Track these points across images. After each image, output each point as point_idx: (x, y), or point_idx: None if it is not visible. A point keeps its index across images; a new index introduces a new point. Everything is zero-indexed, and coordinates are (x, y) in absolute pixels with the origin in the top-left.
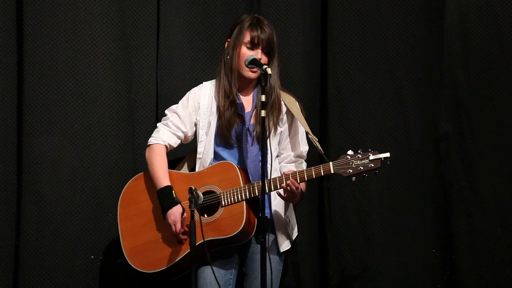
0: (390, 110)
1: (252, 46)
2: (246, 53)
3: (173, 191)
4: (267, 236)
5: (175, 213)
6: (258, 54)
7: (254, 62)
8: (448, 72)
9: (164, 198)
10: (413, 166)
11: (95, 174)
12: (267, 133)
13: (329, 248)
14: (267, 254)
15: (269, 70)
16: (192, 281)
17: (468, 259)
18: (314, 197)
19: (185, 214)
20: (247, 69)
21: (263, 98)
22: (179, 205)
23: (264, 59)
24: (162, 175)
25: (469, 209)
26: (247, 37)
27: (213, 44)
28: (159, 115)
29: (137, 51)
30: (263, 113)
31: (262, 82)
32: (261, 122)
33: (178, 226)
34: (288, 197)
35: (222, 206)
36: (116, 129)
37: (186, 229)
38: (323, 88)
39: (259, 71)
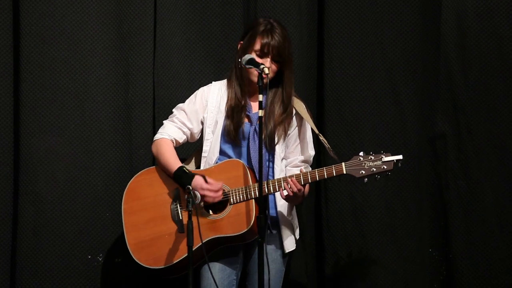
0: (387, 110)
1: (262, 54)
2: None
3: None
4: (265, 236)
5: (199, 183)
6: (266, 62)
7: (251, 62)
8: (445, 71)
9: (181, 178)
10: (410, 165)
11: (92, 174)
12: (276, 140)
13: (326, 247)
14: (269, 255)
15: (266, 70)
16: (190, 281)
17: (465, 258)
18: (311, 196)
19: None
20: (255, 74)
21: (260, 97)
22: (196, 176)
23: (273, 68)
24: (174, 160)
25: (466, 209)
26: (257, 45)
27: (210, 44)
28: (156, 115)
29: (134, 50)
30: (260, 112)
31: (259, 82)
32: (259, 122)
33: (213, 188)
34: (289, 199)
35: (230, 204)
36: (113, 128)
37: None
38: (319, 88)
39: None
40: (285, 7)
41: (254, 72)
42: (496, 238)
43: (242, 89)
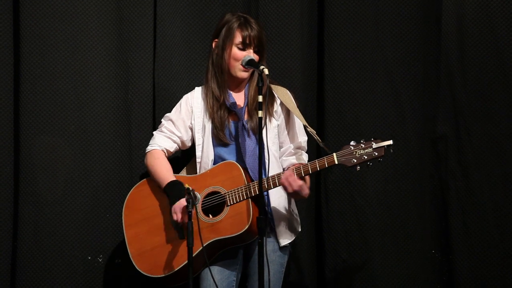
0: (387, 111)
1: (244, 46)
2: (238, 53)
3: (184, 184)
4: (265, 237)
5: (179, 207)
6: (250, 54)
7: (251, 63)
8: (445, 73)
9: (173, 190)
10: (410, 167)
11: (92, 174)
12: (264, 127)
13: (326, 249)
14: (268, 256)
15: (266, 71)
16: (190, 284)
17: (465, 259)
18: (311, 198)
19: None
20: (240, 68)
21: (260, 98)
22: (181, 200)
23: (256, 58)
24: (166, 173)
25: (466, 210)
26: (238, 38)
27: (210, 44)
28: (156, 116)
29: (134, 51)
30: (260, 113)
31: (259, 82)
32: (259, 123)
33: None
34: (292, 194)
35: (227, 206)
36: (113, 129)
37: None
38: (320, 89)
39: (250, 69)
40: (287, 8)
41: (238, 66)
42: (494, 239)
43: (220, 86)
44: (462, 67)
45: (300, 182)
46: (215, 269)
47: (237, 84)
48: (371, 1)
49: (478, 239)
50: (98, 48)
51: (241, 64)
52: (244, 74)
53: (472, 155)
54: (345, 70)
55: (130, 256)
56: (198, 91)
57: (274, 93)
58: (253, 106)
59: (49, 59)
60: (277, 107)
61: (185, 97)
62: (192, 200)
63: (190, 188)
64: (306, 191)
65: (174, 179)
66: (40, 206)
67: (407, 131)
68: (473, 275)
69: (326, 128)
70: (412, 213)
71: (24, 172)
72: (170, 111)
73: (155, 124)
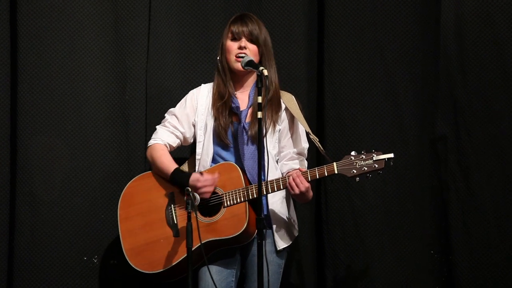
0: (386, 112)
1: (234, 37)
2: (231, 44)
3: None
4: (264, 238)
5: (195, 177)
6: (242, 42)
7: (250, 64)
8: (445, 74)
9: (180, 177)
10: (409, 168)
11: (89, 175)
12: (264, 130)
13: (326, 250)
14: (265, 256)
15: (265, 72)
16: (189, 283)
17: (465, 260)
18: (311, 200)
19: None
20: (234, 59)
21: (259, 99)
22: (193, 173)
23: (252, 48)
24: (169, 163)
25: (466, 210)
26: (230, 31)
27: (205, 45)
28: (148, 116)
29: (130, 51)
30: (259, 114)
31: (258, 83)
32: (258, 123)
33: (209, 180)
34: (297, 196)
35: (224, 207)
36: (110, 130)
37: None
38: (319, 90)
39: (249, 70)
40: (288, 9)
41: (233, 57)
42: (495, 240)
43: (225, 84)
44: (462, 67)
45: (307, 184)
46: (213, 270)
47: (239, 80)
48: (370, 1)
49: (478, 239)
50: (94, 47)
51: (241, 65)
52: (240, 66)
53: (472, 156)
54: (344, 71)
55: (123, 250)
56: (204, 88)
57: (281, 99)
58: (256, 109)
59: (46, 58)
60: (281, 112)
61: (190, 93)
62: (192, 201)
63: (190, 189)
64: (311, 193)
65: (177, 167)
66: (37, 206)
67: (406, 131)
68: (473, 276)
69: (325, 129)
70: (411, 214)
71: (21, 172)
72: (162, 111)
73: (147, 124)
